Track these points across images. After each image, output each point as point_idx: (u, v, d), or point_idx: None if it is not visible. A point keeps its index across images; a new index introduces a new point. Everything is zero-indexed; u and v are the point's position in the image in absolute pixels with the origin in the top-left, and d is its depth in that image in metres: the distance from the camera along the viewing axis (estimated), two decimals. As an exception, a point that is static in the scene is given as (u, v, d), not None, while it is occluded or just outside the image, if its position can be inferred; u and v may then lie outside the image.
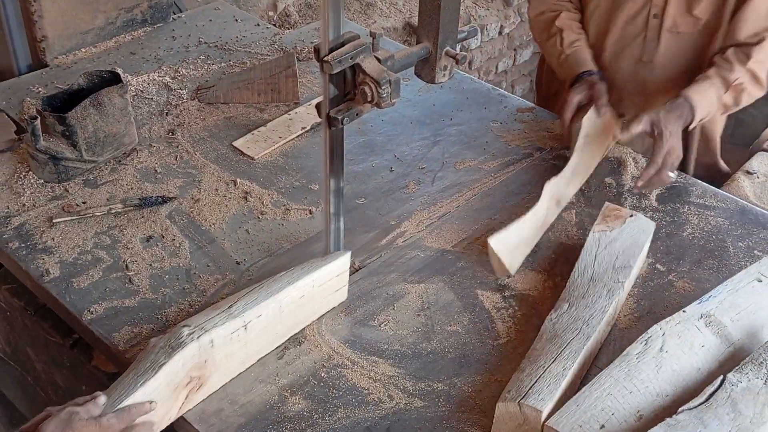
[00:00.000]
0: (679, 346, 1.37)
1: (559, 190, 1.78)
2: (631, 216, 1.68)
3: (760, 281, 1.53)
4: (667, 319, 1.42)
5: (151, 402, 1.25)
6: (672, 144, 1.77)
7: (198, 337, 1.32)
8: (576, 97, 1.88)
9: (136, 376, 1.27)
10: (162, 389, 1.28)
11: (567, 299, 1.51)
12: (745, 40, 1.91)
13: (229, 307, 1.39)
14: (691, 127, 1.88)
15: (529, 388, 1.30)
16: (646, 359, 1.35)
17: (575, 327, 1.43)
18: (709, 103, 1.88)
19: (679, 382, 1.33)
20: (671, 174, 1.80)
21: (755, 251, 1.73)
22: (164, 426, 1.32)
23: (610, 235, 1.64)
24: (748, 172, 2.53)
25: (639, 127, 1.79)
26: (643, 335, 1.39)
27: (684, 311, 1.44)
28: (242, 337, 1.39)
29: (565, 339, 1.40)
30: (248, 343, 1.42)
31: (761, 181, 2.48)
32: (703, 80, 1.89)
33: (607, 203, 1.73)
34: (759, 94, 1.96)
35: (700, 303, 1.46)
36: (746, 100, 1.95)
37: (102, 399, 1.22)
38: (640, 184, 1.80)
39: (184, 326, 1.34)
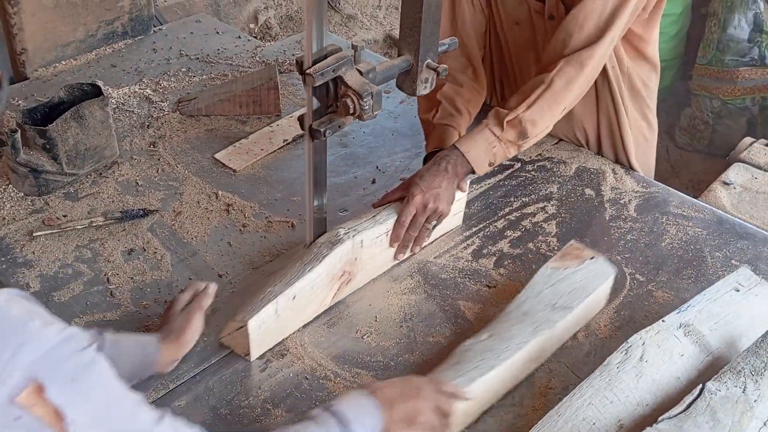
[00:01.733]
0: (659, 356, 1.39)
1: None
2: (592, 258, 1.60)
3: (738, 290, 1.54)
4: (647, 328, 1.43)
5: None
6: (422, 202, 1.63)
7: (352, 236, 1.55)
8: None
9: (303, 264, 1.50)
10: (323, 277, 1.52)
11: (489, 329, 1.46)
12: (560, 53, 1.75)
13: (374, 216, 1.63)
14: (480, 173, 1.72)
15: None
16: (626, 369, 1.36)
17: (482, 357, 1.37)
18: (485, 145, 1.70)
19: (659, 391, 1.34)
20: (432, 224, 1.68)
21: (732, 261, 1.75)
22: (321, 311, 1.57)
23: (562, 273, 1.56)
24: (725, 183, 2.57)
25: (395, 194, 1.68)
26: (623, 345, 1.40)
27: (663, 321, 1.45)
28: (384, 241, 1.63)
29: (466, 367, 1.35)
30: (387, 249, 1.65)
31: (738, 192, 2.52)
32: (479, 123, 1.73)
33: (572, 241, 1.67)
34: (549, 111, 1.73)
35: (679, 312, 1.48)
36: (533, 129, 1.72)
37: (212, 287, 1.51)
38: (394, 245, 1.66)
39: (340, 228, 1.57)
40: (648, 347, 1.39)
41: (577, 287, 1.53)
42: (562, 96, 1.74)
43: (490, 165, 1.73)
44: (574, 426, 1.26)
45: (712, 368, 1.39)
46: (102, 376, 0.83)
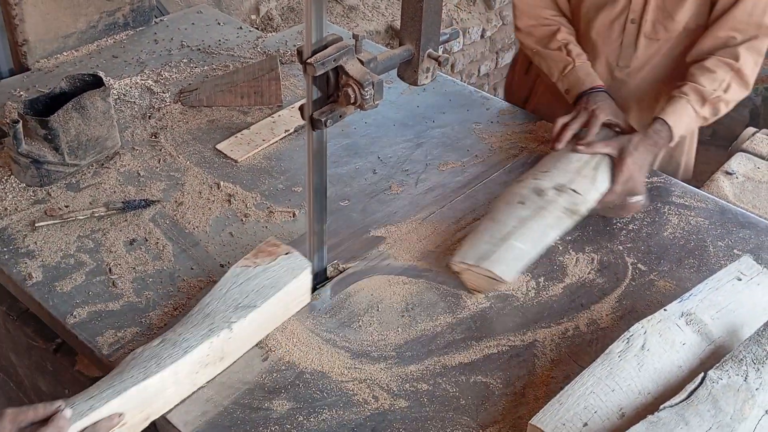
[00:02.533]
0: (661, 344, 1.39)
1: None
2: (287, 254, 1.52)
3: (740, 280, 1.55)
4: (649, 317, 1.44)
5: (120, 414, 1.25)
6: (632, 172, 1.75)
7: (566, 192, 1.70)
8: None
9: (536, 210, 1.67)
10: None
11: (166, 335, 1.37)
12: (731, 41, 1.88)
13: (593, 179, 1.73)
14: (671, 144, 1.86)
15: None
16: (628, 357, 1.36)
17: (144, 365, 1.29)
18: (687, 121, 1.86)
19: (661, 379, 1.35)
20: (636, 198, 1.77)
21: (734, 250, 1.75)
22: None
23: (251, 272, 1.48)
24: (728, 173, 2.56)
25: (606, 149, 1.78)
26: (625, 334, 1.41)
27: (665, 310, 1.45)
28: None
29: (125, 375, 1.27)
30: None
31: (740, 182, 2.51)
32: (679, 98, 1.85)
33: (270, 237, 1.59)
34: (740, 96, 1.92)
35: (680, 301, 1.48)
36: (724, 109, 1.91)
37: (68, 412, 1.18)
38: (600, 208, 1.77)
39: (551, 186, 1.72)
40: (650, 336, 1.40)
41: (266, 285, 1.45)
42: (748, 86, 1.91)
43: (680, 137, 1.87)
44: (576, 414, 1.26)
45: (714, 357, 1.39)
46: None
